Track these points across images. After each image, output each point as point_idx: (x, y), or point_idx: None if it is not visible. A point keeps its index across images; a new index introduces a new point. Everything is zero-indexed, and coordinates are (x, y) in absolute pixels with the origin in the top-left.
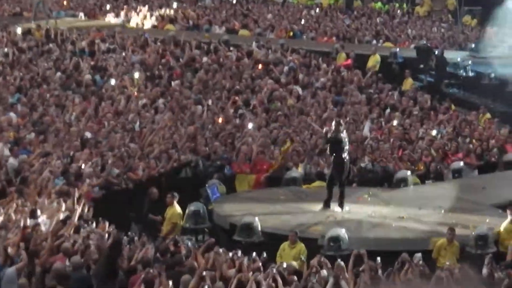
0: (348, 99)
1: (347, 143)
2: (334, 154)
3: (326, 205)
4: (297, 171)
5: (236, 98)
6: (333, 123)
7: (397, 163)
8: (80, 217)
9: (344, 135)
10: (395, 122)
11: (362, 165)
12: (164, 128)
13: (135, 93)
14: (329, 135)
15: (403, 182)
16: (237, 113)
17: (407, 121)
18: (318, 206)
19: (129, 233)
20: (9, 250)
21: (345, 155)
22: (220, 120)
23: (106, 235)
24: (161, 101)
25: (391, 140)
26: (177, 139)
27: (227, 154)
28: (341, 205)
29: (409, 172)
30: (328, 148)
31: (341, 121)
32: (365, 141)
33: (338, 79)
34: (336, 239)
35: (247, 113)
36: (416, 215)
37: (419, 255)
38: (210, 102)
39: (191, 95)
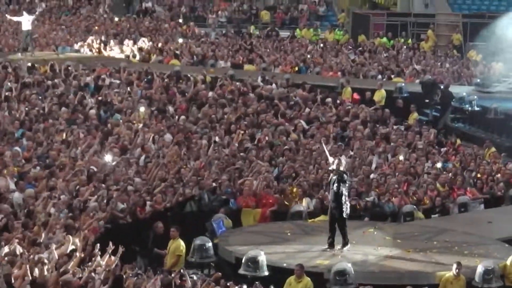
0: (354, 134)
1: (346, 179)
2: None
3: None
4: (302, 205)
5: (242, 132)
6: (336, 161)
7: (403, 198)
8: (85, 251)
9: (344, 171)
10: (400, 157)
11: (368, 199)
12: (169, 163)
13: (141, 128)
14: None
15: (409, 216)
16: (243, 147)
17: (413, 156)
18: (324, 241)
19: (136, 268)
20: (14, 283)
21: (342, 190)
22: None
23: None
24: (167, 135)
25: (397, 174)
26: (183, 173)
27: (232, 188)
28: (344, 244)
29: (414, 207)
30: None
31: (342, 160)
32: (370, 176)
33: (343, 114)
34: (342, 273)
35: (252, 147)
36: (421, 249)
37: None
38: (215, 136)
39: (197, 129)
